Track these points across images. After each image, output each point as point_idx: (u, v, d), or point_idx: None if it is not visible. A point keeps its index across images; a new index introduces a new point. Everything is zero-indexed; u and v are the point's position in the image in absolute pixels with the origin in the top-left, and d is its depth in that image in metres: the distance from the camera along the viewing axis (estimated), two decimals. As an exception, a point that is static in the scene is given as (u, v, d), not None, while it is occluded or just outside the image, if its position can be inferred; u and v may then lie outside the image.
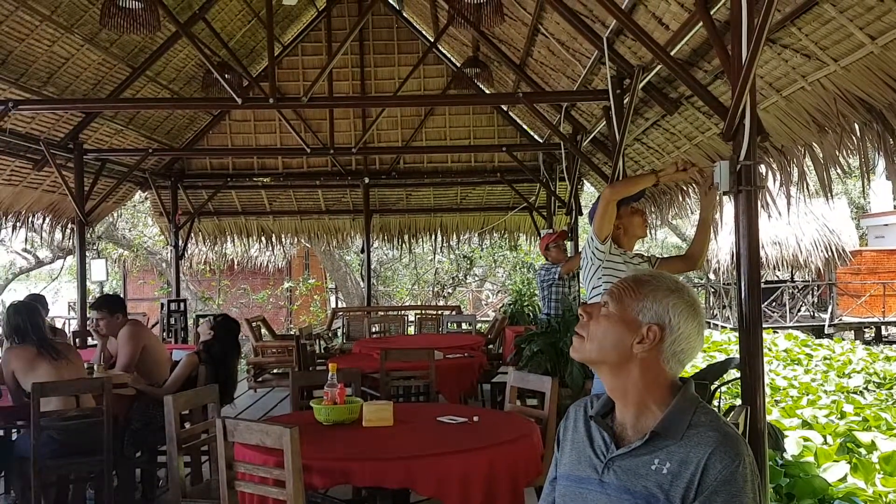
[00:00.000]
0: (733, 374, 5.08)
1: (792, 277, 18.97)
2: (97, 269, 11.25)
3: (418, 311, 10.72)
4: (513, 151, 9.65)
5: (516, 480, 2.94)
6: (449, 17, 7.44)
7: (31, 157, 7.49)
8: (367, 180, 10.61)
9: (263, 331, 9.19)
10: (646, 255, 3.95)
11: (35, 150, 7.37)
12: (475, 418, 3.44)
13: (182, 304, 9.89)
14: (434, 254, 17.78)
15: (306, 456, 2.74)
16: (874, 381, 10.05)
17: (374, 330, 8.98)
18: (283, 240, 11.84)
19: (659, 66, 5.03)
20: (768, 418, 4.99)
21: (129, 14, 4.95)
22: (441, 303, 17.98)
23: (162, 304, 10.01)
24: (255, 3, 8.51)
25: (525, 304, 10.23)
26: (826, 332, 17.18)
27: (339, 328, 10.94)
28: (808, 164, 4.43)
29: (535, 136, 10.42)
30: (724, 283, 17.82)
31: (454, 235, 11.76)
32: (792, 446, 5.60)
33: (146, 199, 13.00)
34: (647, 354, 1.51)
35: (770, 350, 12.03)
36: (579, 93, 6.65)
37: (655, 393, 1.52)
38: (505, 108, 10.39)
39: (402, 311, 11.70)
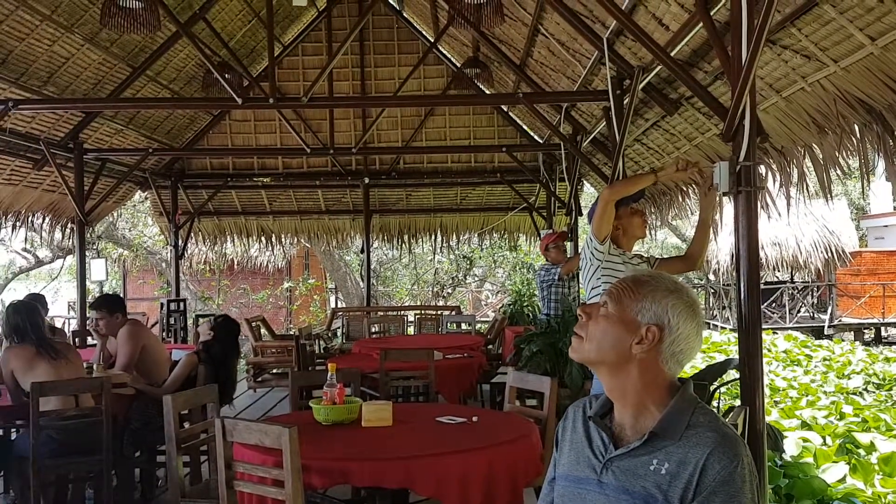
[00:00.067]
0: (733, 374, 5.08)
1: (791, 278, 18.96)
2: (97, 269, 11.25)
3: (418, 312, 10.72)
4: (513, 152, 9.65)
5: (515, 481, 2.94)
6: (449, 17, 7.44)
7: (31, 156, 7.49)
8: (366, 180, 10.62)
9: (263, 331, 9.20)
10: (645, 255, 3.95)
11: (35, 149, 7.37)
12: (474, 418, 3.44)
13: (182, 304, 9.90)
14: (434, 254, 17.79)
15: (305, 456, 2.74)
16: (874, 383, 10.04)
17: (373, 330, 8.98)
18: (283, 240, 11.84)
19: (659, 67, 5.03)
20: (767, 419, 4.99)
21: (130, 14, 4.95)
22: (441, 303, 17.97)
23: (161, 304, 10.02)
24: (256, 3, 8.51)
25: (525, 304, 10.23)
26: (826, 333, 17.17)
27: (338, 328, 10.94)
28: (808, 164, 4.42)
29: (535, 137, 10.42)
30: (723, 284, 17.82)
31: (454, 236, 11.76)
32: (791, 447, 5.60)
33: (146, 198, 13.01)
34: (645, 355, 1.51)
35: (769, 351, 12.02)
36: (579, 93, 6.65)
37: (654, 393, 1.52)
38: (505, 108, 10.39)
39: (402, 312, 11.71)
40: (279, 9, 8.94)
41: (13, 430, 4.84)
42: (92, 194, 8.23)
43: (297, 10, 9.55)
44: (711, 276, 18.26)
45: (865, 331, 18.01)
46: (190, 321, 10.47)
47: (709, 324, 17.77)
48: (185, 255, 11.03)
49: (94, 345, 5.35)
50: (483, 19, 4.91)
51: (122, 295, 16.97)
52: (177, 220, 10.30)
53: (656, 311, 1.50)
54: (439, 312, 10.36)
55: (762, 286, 4.77)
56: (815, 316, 18.39)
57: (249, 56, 9.51)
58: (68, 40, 6.52)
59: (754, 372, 3.28)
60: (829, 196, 4.36)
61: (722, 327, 16.85)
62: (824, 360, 11.63)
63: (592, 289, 3.66)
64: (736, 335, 5.68)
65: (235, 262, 16.61)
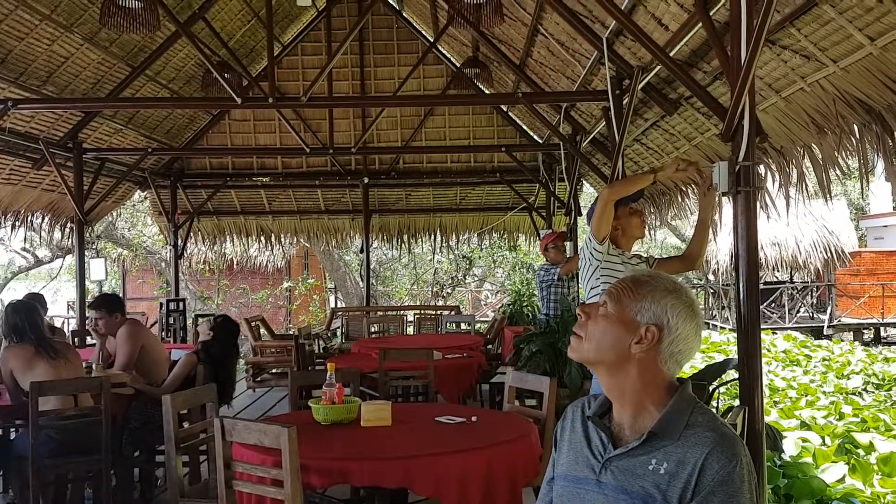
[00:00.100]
0: (732, 374, 5.09)
1: (791, 278, 18.97)
2: (96, 269, 11.23)
3: (417, 311, 10.72)
4: (512, 152, 9.65)
5: (514, 480, 2.94)
6: (449, 17, 7.45)
7: (31, 156, 7.49)
8: (366, 180, 10.61)
9: (262, 330, 9.19)
10: (644, 255, 3.95)
11: (34, 149, 7.37)
12: (473, 418, 3.44)
13: (181, 304, 9.89)
14: (433, 254, 17.79)
15: (304, 455, 2.74)
16: (873, 383, 10.05)
17: (372, 330, 8.98)
18: (283, 239, 11.84)
19: (658, 67, 5.03)
20: (767, 419, 5.00)
21: (129, 13, 4.95)
22: (440, 303, 17.98)
23: (161, 304, 10.01)
24: (255, 3, 8.51)
25: (524, 304, 10.23)
26: (825, 333, 17.18)
27: (337, 328, 10.94)
28: (807, 165, 4.42)
29: (535, 137, 10.43)
30: (722, 284, 17.83)
31: (453, 235, 11.76)
32: (790, 447, 5.60)
33: (145, 198, 13.00)
34: (644, 355, 1.51)
35: (769, 351, 12.03)
36: (579, 93, 6.65)
37: (653, 393, 1.52)
38: (504, 108, 10.39)
39: (401, 311, 11.71)
40: (278, 8, 8.94)
41: (12, 429, 4.84)
42: (91, 194, 8.23)
43: (297, 10, 9.56)
44: (711, 276, 18.27)
45: (865, 331, 18.03)
46: (189, 321, 10.46)
47: (708, 324, 17.78)
48: (185, 254, 11.04)
49: (94, 344, 5.35)
50: (483, 19, 4.91)
51: (121, 295, 16.97)
52: (176, 219, 10.30)
53: (655, 311, 1.51)
54: (439, 312, 10.35)
55: (761, 286, 4.76)
56: (815, 316, 18.40)
57: (249, 56, 9.51)
58: (68, 40, 6.52)
59: (753, 372, 3.28)
60: (828, 196, 4.37)
61: (721, 327, 16.85)
62: (823, 360, 11.64)
63: (591, 289, 3.66)
64: (735, 335, 5.68)
65: (235, 262, 16.61)
